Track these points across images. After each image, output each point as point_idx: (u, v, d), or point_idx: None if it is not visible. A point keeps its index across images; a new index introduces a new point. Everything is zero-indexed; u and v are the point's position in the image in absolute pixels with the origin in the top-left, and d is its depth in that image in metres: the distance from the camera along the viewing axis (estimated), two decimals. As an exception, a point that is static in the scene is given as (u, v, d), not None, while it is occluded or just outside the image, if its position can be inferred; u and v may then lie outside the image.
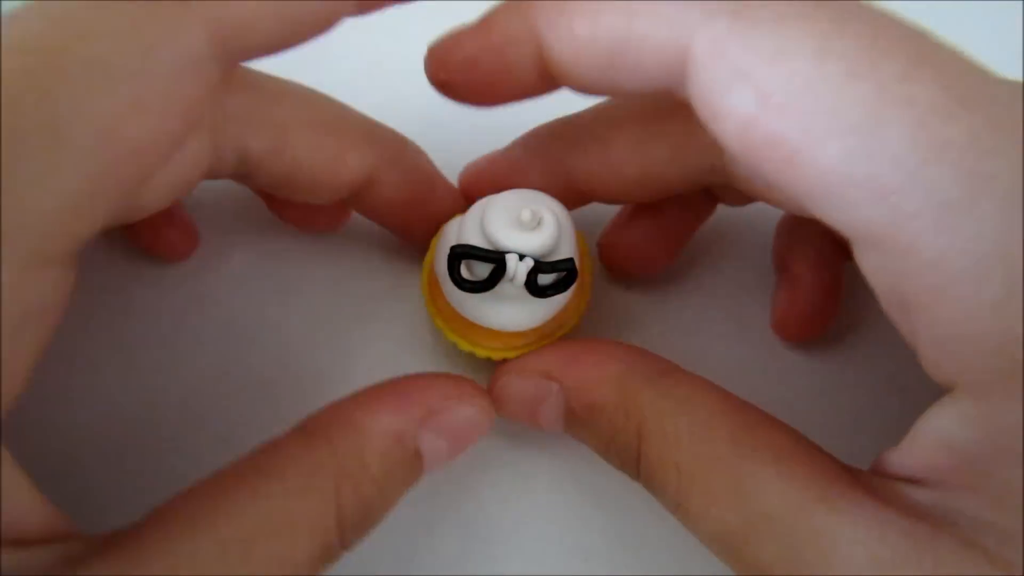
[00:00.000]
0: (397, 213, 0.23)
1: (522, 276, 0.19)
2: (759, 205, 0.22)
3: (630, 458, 0.19)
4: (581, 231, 0.22)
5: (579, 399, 0.20)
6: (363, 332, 0.25)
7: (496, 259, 0.19)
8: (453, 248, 0.19)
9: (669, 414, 0.18)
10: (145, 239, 0.25)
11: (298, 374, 0.24)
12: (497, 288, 0.19)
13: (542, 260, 0.19)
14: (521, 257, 0.19)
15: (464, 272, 0.19)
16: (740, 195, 0.23)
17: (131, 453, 0.23)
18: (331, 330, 0.25)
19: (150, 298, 0.25)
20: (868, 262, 0.16)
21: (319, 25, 0.18)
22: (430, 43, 0.19)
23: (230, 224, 0.26)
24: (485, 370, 0.22)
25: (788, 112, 0.15)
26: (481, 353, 0.21)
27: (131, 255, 0.25)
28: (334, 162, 0.21)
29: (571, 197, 0.22)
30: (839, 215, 0.15)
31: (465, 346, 0.21)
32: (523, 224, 0.19)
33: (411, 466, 0.19)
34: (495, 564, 0.22)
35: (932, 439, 0.16)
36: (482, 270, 0.19)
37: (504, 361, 0.21)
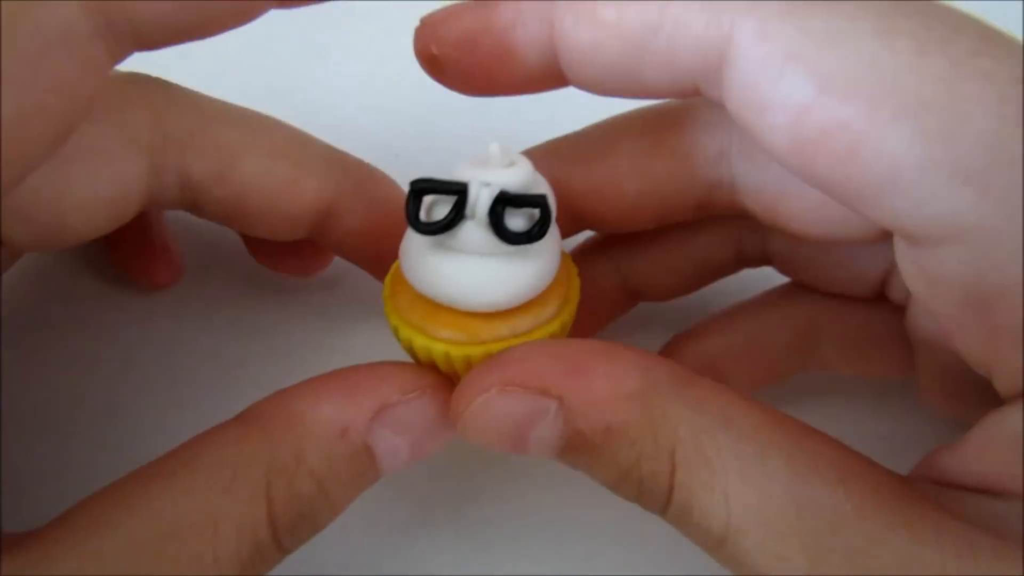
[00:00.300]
0: (363, 245, 0.22)
1: (485, 204, 0.16)
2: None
3: (657, 490, 0.16)
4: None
5: (590, 420, 0.16)
6: (345, 357, 0.24)
7: (458, 189, 0.16)
8: (412, 183, 0.17)
9: (708, 432, 0.15)
10: (129, 266, 0.25)
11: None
12: (461, 237, 0.17)
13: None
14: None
15: (424, 216, 0.17)
16: (658, 290, 0.23)
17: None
18: (316, 358, 0.25)
19: (133, 325, 0.25)
20: (938, 261, 0.14)
21: (233, 16, 0.17)
22: (424, 14, 0.17)
23: (214, 254, 0.26)
24: None
25: (852, 95, 0.14)
26: (438, 349, 0.17)
27: (118, 282, 0.25)
28: (288, 189, 0.20)
29: (568, 221, 0.20)
30: (908, 208, 0.14)
31: (421, 341, 0.18)
32: (492, 159, 0.17)
33: (360, 465, 0.17)
34: (495, 564, 0.22)
35: (1004, 443, 0.15)
36: (443, 211, 0.17)
37: (469, 367, 0.17)
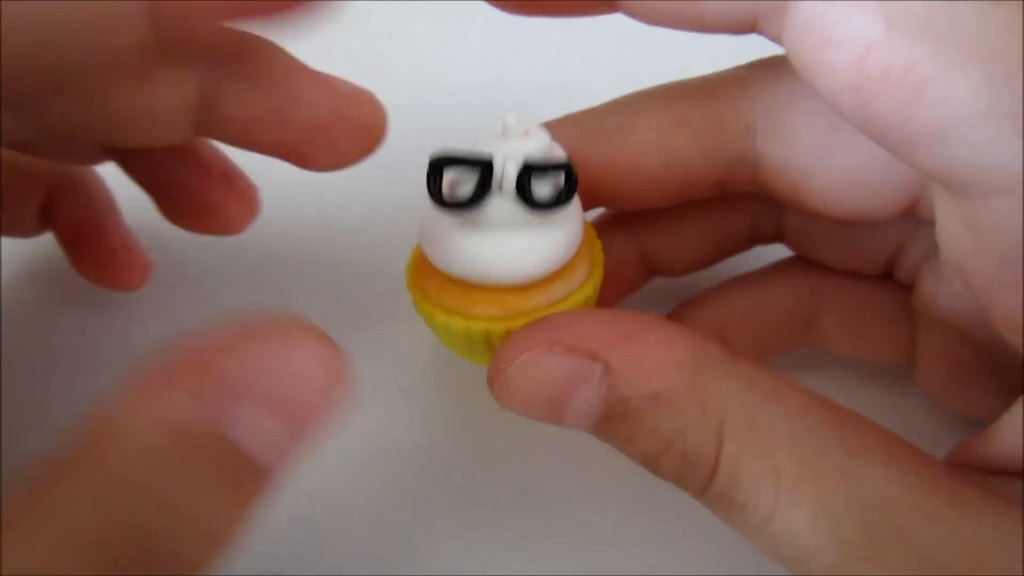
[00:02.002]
0: (258, 136, 0.18)
1: (512, 177, 0.16)
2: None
3: (701, 463, 0.15)
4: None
5: (637, 386, 0.15)
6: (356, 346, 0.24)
7: (481, 162, 0.16)
8: (432, 157, 0.16)
9: (759, 406, 0.15)
10: (91, 272, 0.23)
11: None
12: (488, 212, 0.16)
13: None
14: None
15: (447, 193, 0.17)
16: (675, 264, 0.23)
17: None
18: None
19: (132, 324, 0.24)
20: (988, 213, 0.14)
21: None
22: None
23: (214, 255, 0.26)
24: (463, 395, 0.22)
25: (921, 36, 0.14)
26: (479, 328, 0.17)
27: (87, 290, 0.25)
28: (140, 91, 0.17)
29: (586, 197, 0.20)
30: (967, 156, 0.14)
31: (458, 323, 0.17)
32: (508, 131, 0.17)
33: (221, 463, 0.13)
34: (495, 564, 0.22)
35: None
36: (468, 188, 0.16)
37: (514, 335, 0.16)
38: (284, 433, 0.13)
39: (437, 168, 0.16)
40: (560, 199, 0.16)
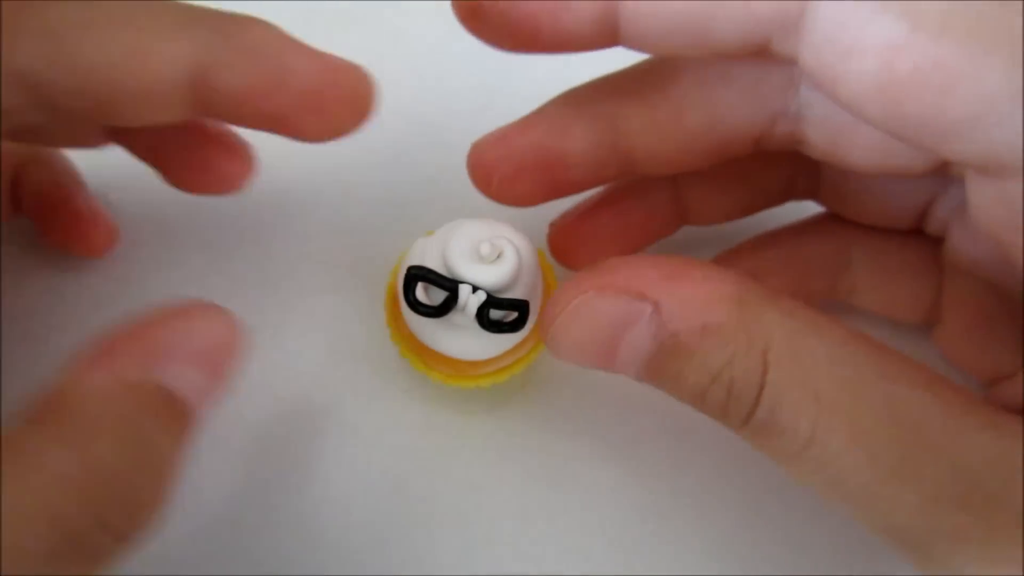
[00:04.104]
0: (256, 103, 0.18)
1: (473, 308, 0.19)
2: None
3: (746, 391, 0.16)
4: (552, 266, 0.21)
5: (686, 320, 0.16)
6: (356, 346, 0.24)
7: (450, 287, 0.19)
8: (409, 269, 0.19)
9: (800, 335, 0.16)
10: (60, 238, 0.24)
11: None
12: (451, 316, 0.19)
13: (496, 295, 0.19)
14: (475, 290, 0.19)
15: (420, 295, 0.19)
16: (708, 213, 0.23)
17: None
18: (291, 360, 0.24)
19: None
20: None
21: None
22: None
23: (209, 241, 0.25)
24: (463, 398, 0.22)
25: (944, 32, 0.14)
26: (434, 377, 0.21)
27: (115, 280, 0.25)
28: (137, 60, 0.17)
29: (615, 164, 0.20)
30: (1001, 139, 0.14)
31: (419, 367, 0.21)
32: (482, 257, 0.19)
33: (163, 411, 0.16)
34: (495, 564, 0.22)
35: None
36: (438, 295, 0.19)
37: (564, 284, 0.18)
38: (205, 380, 0.17)
39: (412, 279, 0.19)
40: (513, 327, 0.19)
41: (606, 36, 0.17)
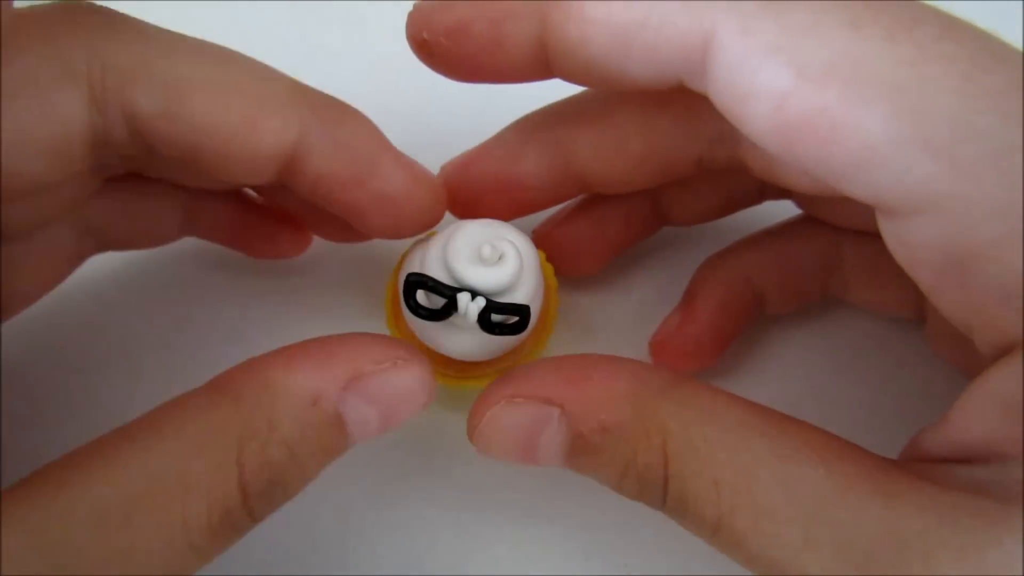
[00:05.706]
0: (335, 190, 0.20)
1: (473, 315, 0.18)
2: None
3: (654, 482, 0.17)
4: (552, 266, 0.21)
5: (588, 421, 0.17)
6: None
7: (449, 294, 0.19)
8: (409, 276, 0.19)
9: (696, 424, 0.16)
10: (257, 239, 0.24)
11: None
12: (453, 319, 0.19)
13: (496, 300, 0.19)
14: (474, 296, 0.19)
15: (421, 298, 0.19)
16: (687, 215, 0.24)
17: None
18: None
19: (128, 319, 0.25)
20: (916, 230, 0.15)
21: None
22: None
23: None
24: (463, 398, 0.22)
25: (828, 82, 0.15)
26: (437, 379, 0.20)
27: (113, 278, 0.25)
28: (245, 128, 0.18)
29: (570, 184, 0.21)
30: (886, 183, 0.15)
31: None
32: (483, 259, 0.19)
33: (331, 433, 0.17)
34: (495, 564, 0.22)
35: (988, 406, 0.15)
36: (438, 300, 0.19)
37: (482, 392, 0.19)
38: (379, 424, 0.17)
39: (411, 286, 0.19)
40: (513, 330, 0.19)
41: (542, 70, 0.18)
